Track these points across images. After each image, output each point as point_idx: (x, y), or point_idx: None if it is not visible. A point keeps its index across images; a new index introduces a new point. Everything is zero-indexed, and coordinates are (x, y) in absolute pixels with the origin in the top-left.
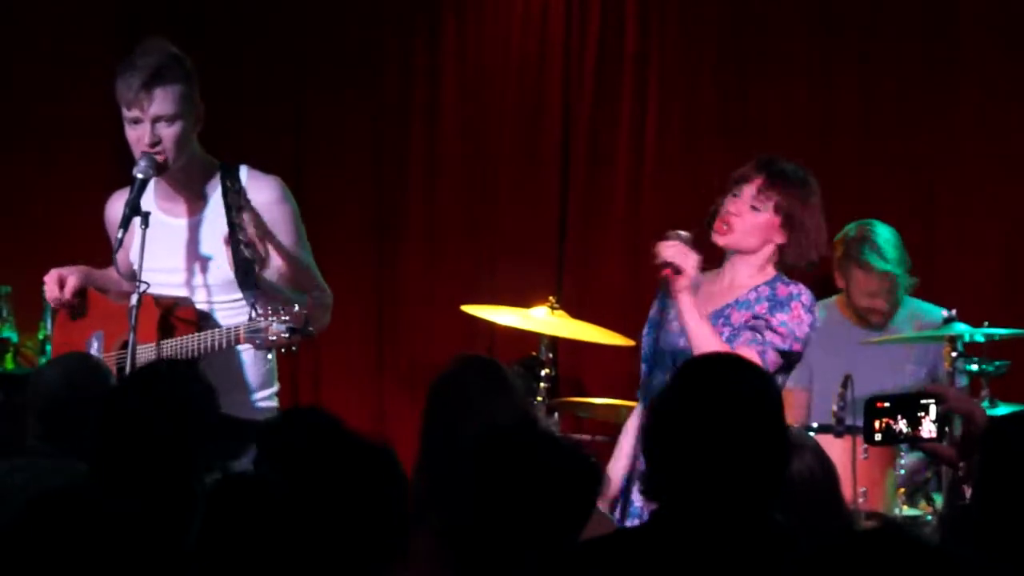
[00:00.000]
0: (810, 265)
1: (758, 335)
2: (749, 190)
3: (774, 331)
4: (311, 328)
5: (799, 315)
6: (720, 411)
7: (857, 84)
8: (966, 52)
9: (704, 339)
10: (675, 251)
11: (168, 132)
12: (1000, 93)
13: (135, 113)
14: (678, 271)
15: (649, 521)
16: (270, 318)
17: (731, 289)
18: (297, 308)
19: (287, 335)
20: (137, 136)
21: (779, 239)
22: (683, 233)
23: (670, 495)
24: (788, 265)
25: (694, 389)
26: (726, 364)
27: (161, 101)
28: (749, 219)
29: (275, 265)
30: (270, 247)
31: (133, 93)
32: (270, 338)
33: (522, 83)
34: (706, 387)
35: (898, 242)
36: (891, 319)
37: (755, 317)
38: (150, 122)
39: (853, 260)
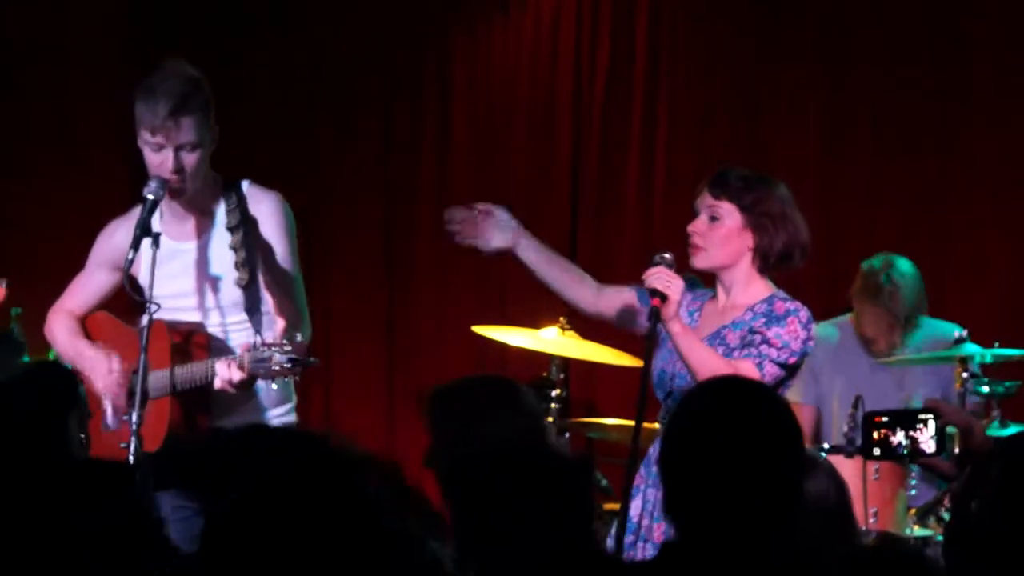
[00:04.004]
0: (800, 254)
1: (753, 349)
2: (703, 205)
3: (770, 344)
4: (313, 359)
5: (795, 330)
6: (733, 436)
7: (868, 109)
8: (975, 77)
9: (701, 361)
10: (657, 278)
11: (190, 159)
12: (1009, 116)
13: (159, 139)
14: (664, 298)
15: (660, 552)
16: (272, 349)
17: (726, 311)
18: (300, 338)
19: (289, 366)
20: (159, 161)
21: (750, 242)
22: (667, 256)
23: (688, 519)
24: (776, 264)
25: (705, 415)
26: (737, 388)
27: (187, 130)
28: (712, 233)
29: (264, 282)
30: (265, 264)
31: (160, 120)
32: (273, 368)
33: (532, 108)
34: (718, 412)
35: (917, 282)
36: (895, 350)
37: (751, 332)
38: (174, 149)
39: (868, 294)
